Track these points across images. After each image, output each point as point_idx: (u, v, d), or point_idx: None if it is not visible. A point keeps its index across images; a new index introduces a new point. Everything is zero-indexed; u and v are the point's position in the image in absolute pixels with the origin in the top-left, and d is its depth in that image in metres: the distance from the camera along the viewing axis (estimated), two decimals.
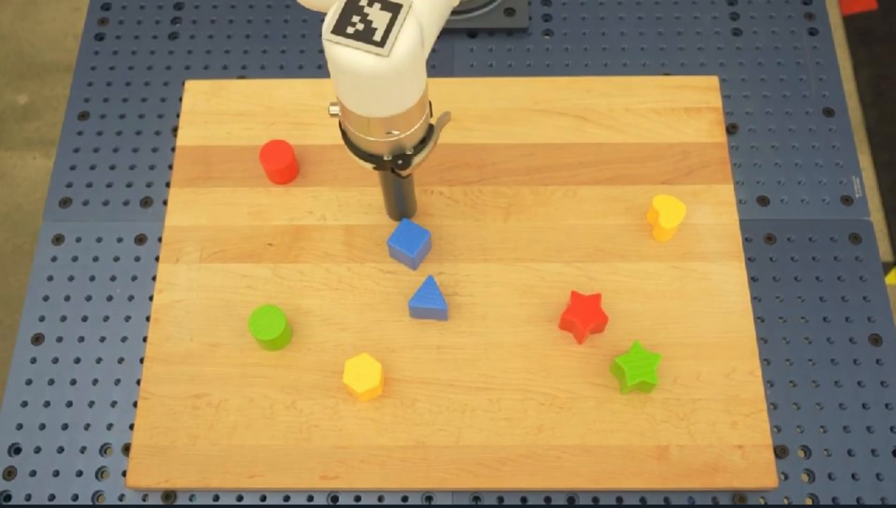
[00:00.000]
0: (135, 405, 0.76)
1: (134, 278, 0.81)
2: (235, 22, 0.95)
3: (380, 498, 0.73)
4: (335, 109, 0.63)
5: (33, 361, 0.78)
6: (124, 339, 0.79)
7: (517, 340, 0.76)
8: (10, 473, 0.74)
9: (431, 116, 0.65)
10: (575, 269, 0.79)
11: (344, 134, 0.65)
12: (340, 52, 0.54)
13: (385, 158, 0.63)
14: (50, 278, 0.81)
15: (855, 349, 0.78)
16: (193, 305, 0.78)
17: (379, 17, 0.54)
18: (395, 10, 0.54)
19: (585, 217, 0.81)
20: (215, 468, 0.72)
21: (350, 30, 0.53)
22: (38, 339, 0.79)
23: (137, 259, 0.82)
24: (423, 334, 0.77)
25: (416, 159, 0.65)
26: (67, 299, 0.80)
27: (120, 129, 0.89)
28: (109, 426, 0.75)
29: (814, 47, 0.92)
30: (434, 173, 0.84)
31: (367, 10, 0.54)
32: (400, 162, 0.63)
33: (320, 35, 0.94)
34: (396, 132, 0.61)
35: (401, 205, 0.77)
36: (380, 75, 0.54)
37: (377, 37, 0.53)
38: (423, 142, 0.65)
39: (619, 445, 0.72)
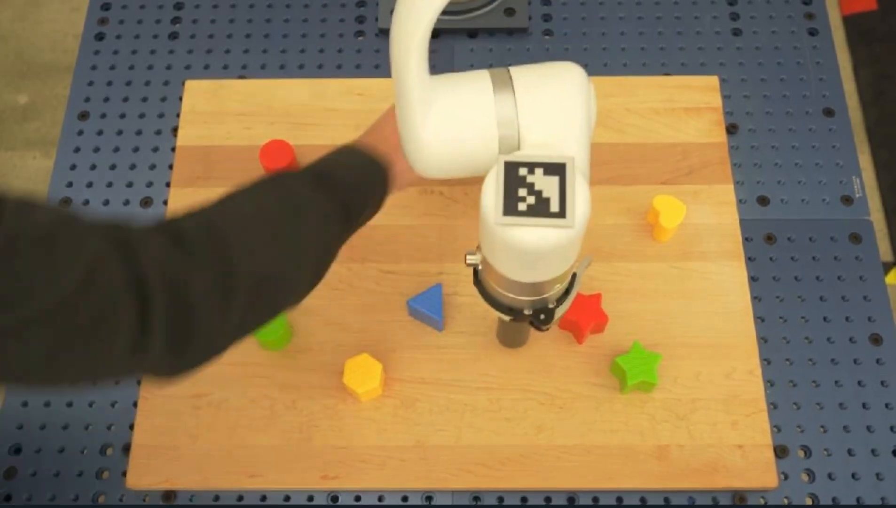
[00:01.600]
0: (135, 405, 0.76)
1: None
2: (235, 22, 0.95)
3: (380, 498, 0.73)
4: (474, 260, 0.57)
5: None
6: None
7: None
8: (10, 473, 0.74)
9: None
10: None
11: (480, 284, 0.60)
12: (519, 234, 0.48)
13: (525, 312, 0.58)
14: None
15: (855, 348, 0.78)
16: None
17: (547, 184, 0.48)
18: (560, 171, 0.48)
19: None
20: (215, 468, 0.72)
21: (522, 207, 0.48)
22: None
23: None
24: (423, 334, 0.77)
25: (559, 312, 0.59)
26: None
27: (120, 128, 0.89)
28: (109, 427, 0.75)
29: (814, 47, 0.92)
30: None
31: (530, 179, 0.48)
32: (542, 317, 0.58)
33: (321, 35, 0.94)
34: (548, 293, 0.56)
35: (520, 337, 0.74)
36: (564, 246, 0.49)
37: (555, 207, 0.48)
38: (567, 293, 0.59)
39: (619, 445, 0.72)
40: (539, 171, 0.49)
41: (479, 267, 0.58)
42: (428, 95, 0.52)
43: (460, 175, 0.55)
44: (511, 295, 0.56)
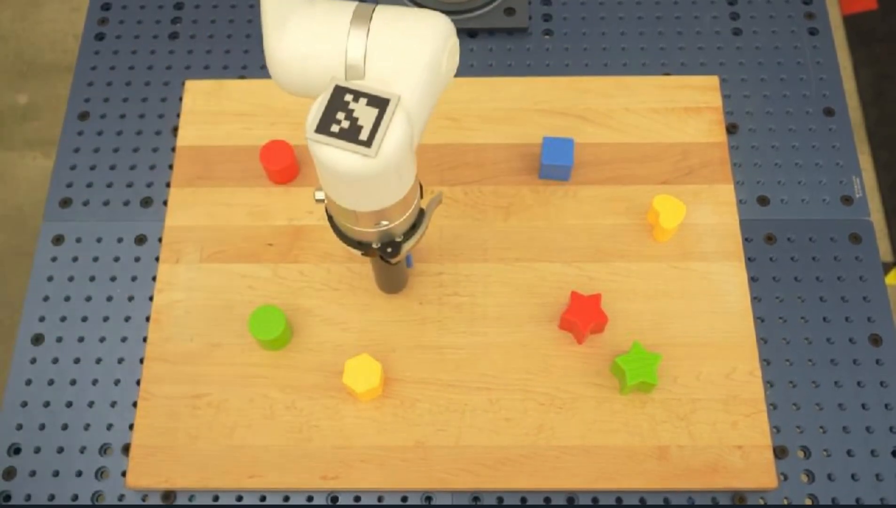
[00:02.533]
0: (135, 405, 0.76)
1: (134, 279, 0.81)
2: (235, 22, 0.95)
3: (380, 498, 0.73)
4: (320, 196, 0.60)
5: (33, 361, 0.78)
6: (124, 339, 0.79)
7: (517, 340, 0.76)
8: (9, 473, 0.74)
9: (422, 196, 0.63)
10: (575, 269, 0.79)
11: (330, 219, 0.62)
12: (324, 152, 0.51)
13: (374, 246, 0.61)
14: (50, 279, 0.81)
15: (855, 349, 0.78)
16: (193, 305, 0.78)
17: (365, 114, 0.51)
18: (382, 105, 0.51)
19: (585, 217, 0.81)
20: (215, 468, 0.72)
21: (335, 128, 0.51)
22: (38, 339, 0.79)
23: (137, 259, 0.82)
24: (423, 334, 0.77)
25: (406, 246, 0.62)
26: (67, 299, 0.80)
27: (120, 129, 0.89)
28: (109, 427, 0.75)
29: (814, 47, 0.92)
30: (434, 173, 0.84)
31: (352, 105, 0.51)
32: (389, 250, 0.61)
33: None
34: (385, 223, 0.59)
35: (393, 281, 0.75)
36: (366, 175, 0.52)
37: (363, 136, 0.50)
38: (414, 228, 0.62)
39: (619, 445, 0.72)
40: (363, 101, 0.51)
41: (325, 203, 0.60)
42: (285, 11, 0.54)
43: (309, 94, 0.56)
44: (357, 228, 0.59)
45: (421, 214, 0.63)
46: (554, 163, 0.80)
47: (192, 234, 0.81)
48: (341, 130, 0.51)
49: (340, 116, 0.51)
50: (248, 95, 0.88)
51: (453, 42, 0.56)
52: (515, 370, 0.75)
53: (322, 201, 0.61)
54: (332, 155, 0.51)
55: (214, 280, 0.79)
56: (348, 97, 0.51)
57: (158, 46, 0.93)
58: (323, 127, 0.51)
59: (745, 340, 0.76)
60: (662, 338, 0.76)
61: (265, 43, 0.55)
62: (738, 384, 0.74)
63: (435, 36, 0.54)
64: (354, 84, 0.52)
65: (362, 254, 0.62)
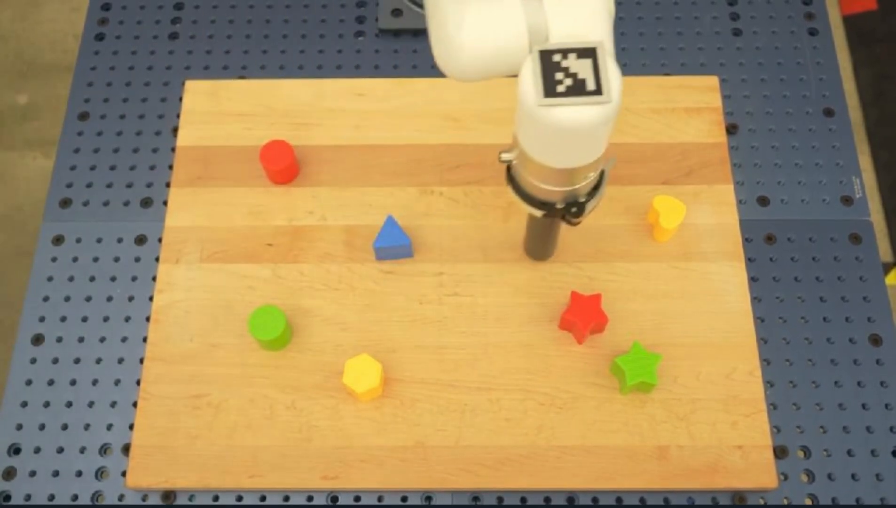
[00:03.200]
0: (135, 405, 0.76)
1: (134, 279, 0.81)
2: (235, 22, 0.95)
3: (380, 498, 0.73)
4: (509, 156, 0.60)
5: (33, 361, 0.78)
6: (124, 339, 0.79)
7: (517, 340, 0.76)
8: (9, 473, 0.74)
9: None
10: (575, 269, 0.79)
11: (513, 181, 0.63)
12: (560, 114, 0.52)
13: (558, 207, 0.62)
14: (50, 279, 0.81)
15: (855, 349, 0.78)
16: (193, 305, 0.78)
17: (581, 67, 0.52)
18: (591, 54, 0.52)
19: (585, 217, 0.81)
20: (215, 468, 0.72)
21: (561, 88, 0.52)
22: (38, 339, 0.79)
23: (137, 260, 0.82)
24: (423, 334, 0.77)
25: (589, 207, 0.63)
26: (67, 299, 0.80)
27: (120, 129, 0.89)
28: (109, 427, 0.75)
29: (814, 47, 0.92)
30: (434, 173, 0.84)
31: (564, 63, 0.52)
32: (574, 210, 0.62)
33: (321, 35, 0.94)
34: (587, 178, 0.59)
35: (547, 246, 0.76)
36: (603, 122, 0.53)
37: (591, 86, 0.52)
38: (596, 188, 0.63)
39: (619, 445, 0.72)
40: (572, 56, 0.52)
41: (514, 162, 0.61)
42: (461, 2, 0.56)
43: (492, 75, 0.58)
44: (546, 187, 0.60)
45: (602, 175, 0.63)
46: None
47: (192, 234, 0.81)
48: (568, 87, 0.52)
49: (559, 76, 0.52)
50: (248, 95, 0.88)
51: None
52: (515, 370, 0.75)
53: (509, 161, 0.61)
54: (568, 113, 0.52)
55: (214, 280, 0.79)
56: (556, 57, 0.53)
57: (158, 46, 0.93)
58: (550, 91, 0.52)
59: (745, 340, 0.76)
60: (662, 338, 0.76)
61: (441, 36, 0.57)
62: (738, 384, 0.74)
63: None
64: (556, 44, 0.53)
65: (544, 216, 0.63)
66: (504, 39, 0.56)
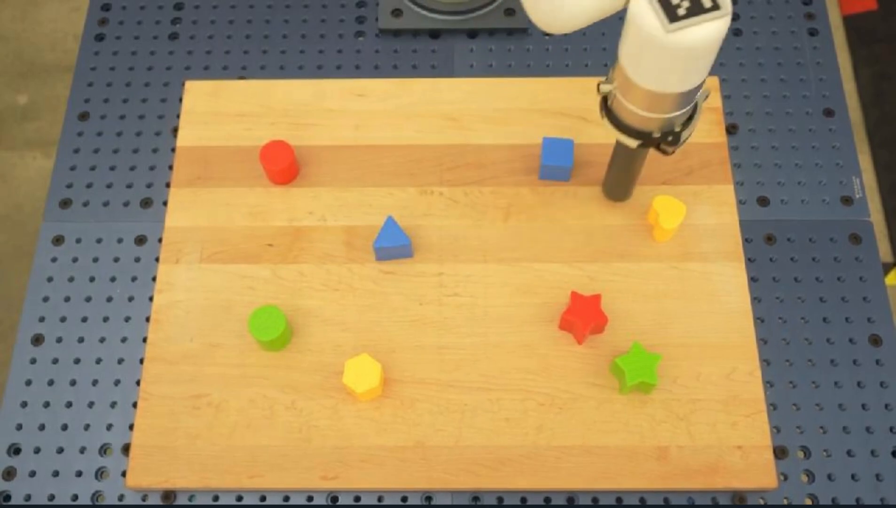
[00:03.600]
0: (134, 405, 0.76)
1: (134, 279, 0.81)
2: (235, 22, 0.95)
3: (379, 498, 0.73)
4: (608, 88, 0.63)
5: (33, 361, 0.78)
6: (124, 340, 0.79)
7: (517, 340, 0.76)
8: (9, 473, 0.74)
9: None
10: (575, 269, 0.79)
11: (609, 112, 0.65)
12: (691, 35, 0.54)
13: (655, 135, 0.64)
14: (50, 279, 0.81)
15: (855, 349, 0.78)
16: (193, 305, 0.78)
17: None
18: None
19: (585, 217, 0.81)
20: (215, 468, 0.72)
21: (682, 11, 0.54)
22: (37, 340, 0.79)
23: (137, 260, 0.82)
24: (423, 334, 0.77)
25: (685, 135, 0.65)
26: (67, 299, 0.81)
27: (120, 129, 0.89)
28: (109, 427, 0.75)
29: (814, 47, 0.92)
30: (434, 173, 0.84)
31: None
32: (670, 138, 0.64)
33: (321, 35, 0.94)
34: (686, 106, 0.62)
35: (628, 184, 0.78)
36: (724, 35, 0.55)
37: (707, 3, 0.54)
38: (690, 118, 0.65)
39: (619, 445, 0.72)
40: None
41: (613, 93, 0.63)
42: None
43: (595, 19, 0.62)
44: (647, 114, 0.62)
45: (695, 106, 0.65)
46: (554, 164, 0.80)
47: (192, 234, 0.81)
48: (688, 9, 0.54)
49: (676, 1, 0.54)
50: (248, 96, 0.88)
51: None
52: (515, 370, 0.75)
53: (607, 92, 0.63)
54: (698, 33, 0.54)
55: (214, 281, 0.79)
56: None
57: (158, 47, 0.93)
58: (673, 16, 0.54)
59: (745, 340, 0.76)
60: (662, 338, 0.76)
61: None
62: (738, 384, 0.74)
63: None
64: None
65: (639, 146, 0.65)
66: None
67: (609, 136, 0.86)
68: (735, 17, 0.94)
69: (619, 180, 0.78)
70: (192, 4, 0.96)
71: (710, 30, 0.54)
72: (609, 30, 0.93)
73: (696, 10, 0.54)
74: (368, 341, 0.76)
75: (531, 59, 0.92)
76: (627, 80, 0.61)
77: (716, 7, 0.54)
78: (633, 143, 0.65)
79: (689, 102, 0.63)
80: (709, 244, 0.80)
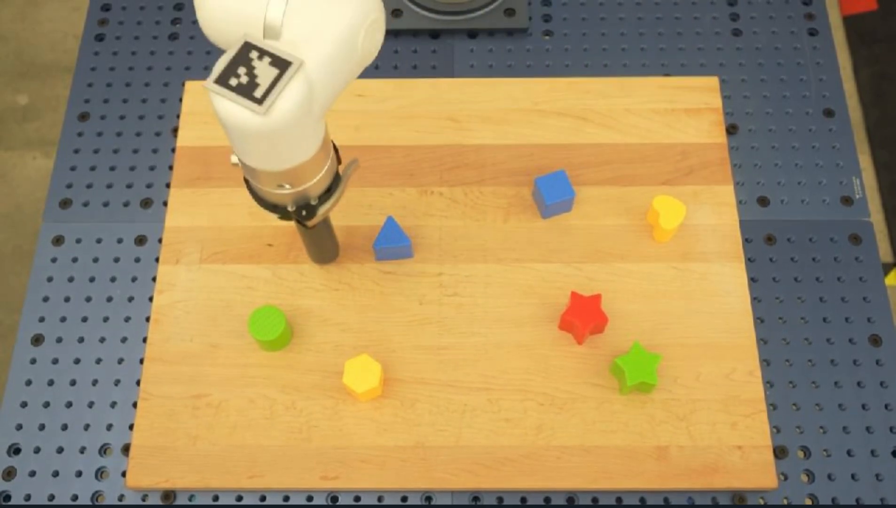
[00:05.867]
0: (134, 405, 0.76)
1: (134, 279, 0.81)
2: None
3: (379, 498, 0.73)
4: (235, 159, 0.61)
5: (33, 362, 0.78)
6: (124, 340, 0.79)
7: (517, 340, 0.76)
8: (9, 473, 0.74)
9: (340, 162, 0.64)
10: (575, 269, 0.79)
11: (247, 183, 0.63)
12: (220, 103, 0.52)
13: (289, 209, 0.62)
14: (50, 279, 0.81)
15: (854, 349, 0.78)
16: (193, 305, 0.78)
17: (265, 73, 0.52)
18: (283, 66, 0.52)
19: (585, 217, 0.81)
20: (215, 468, 0.72)
21: (233, 81, 0.52)
22: (37, 340, 0.79)
23: (137, 260, 0.82)
24: (423, 334, 0.77)
25: (322, 210, 0.63)
26: (67, 299, 0.81)
27: (120, 129, 0.89)
28: (109, 427, 0.75)
29: (814, 47, 0.92)
30: (434, 173, 0.84)
31: (255, 63, 0.52)
32: (304, 213, 0.62)
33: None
34: (288, 186, 0.59)
35: (320, 250, 0.76)
36: (257, 132, 0.52)
37: (258, 93, 0.51)
38: (329, 191, 0.63)
39: (619, 445, 0.72)
40: (267, 60, 0.52)
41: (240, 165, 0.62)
42: None
43: (228, 45, 0.58)
44: (269, 190, 0.60)
45: (337, 178, 0.64)
46: (558, 200, 0.79)
47: (192, 234, 0.81)
48: (238, 84, 0.51)
49: (241, 70, 0.52)
50: None
51: (373, 19, 0.56)
52: (515, 370, 0.75)
53: (237, 164, 0.61)
54: (226, 107, 0.52)
55: (214, 281, 0.79)
56: (254, 54, 0.52)
57: (158, 47, 0.93)
58: (222, 79, 0.52)
59: (744, 340, 0.76)
60: (662, 338, 0.76)
61: None
62: (738, 384, 0.74)
63: (354, 9, 0.55)
64: (263, 43, 0.53)
65: (280, 218, 0.64)
66: (240, 22, 0.55)
67: (610, 136, 0.85)
68: (735, 17, 0.94)
69: (312, 246, 0.75)
70: (192, 4, 0.96)
71: (238, 113, 0.51)
72: (609, 30, 0.93)
73: (242, 91, 0.51)
74: (368, 341, 0.76)
75: (531, 59, 0.92)
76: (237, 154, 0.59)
77: (259, 102, 0.51)
78: (272, 214, 0.63)
79: (311, 179, 0.60)
80: (709, 244, 0.80)
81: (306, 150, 0.57)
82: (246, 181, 0.63)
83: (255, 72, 0.52)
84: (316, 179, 0.61)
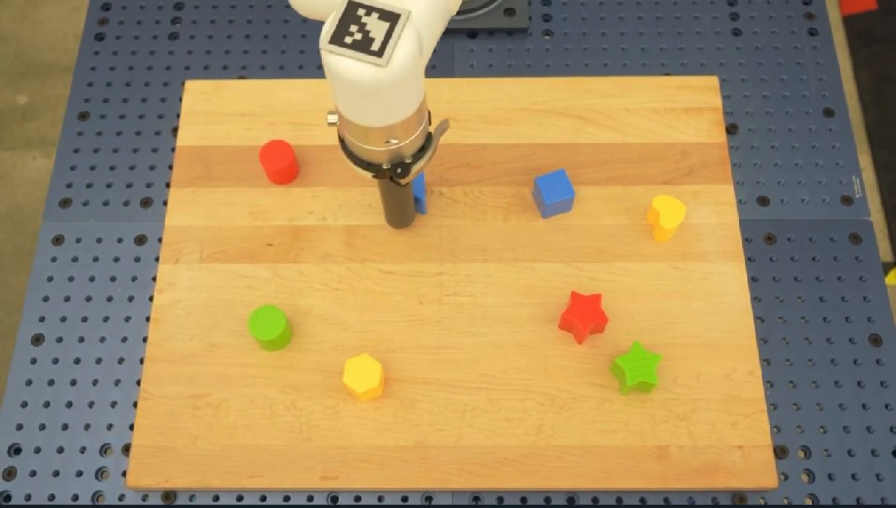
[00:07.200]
0: (135, 405, 0.76)
1: (134, 279, 0.81)
2: (235, 22, 0.95)
3: (380, 498, 0.73)
4: (333, 119, 0.62)
5: (33, 361, 0.78)
6: (124, 339, 0.79)
7: (517, 340, 0.76)
8: (10, 473, 0.74)
9: (430, 123, 0.65)
10: (575, 269, 0.79)
11: (342, 142, 0.64)
12: (338, 62, 0.53)
13: (384, 167, 0.63)
14: (50, 279, 0.81)
15: (855, 349, 0.78)
16: (193, 305, 0.78)
17: (377, 27, 0.53)
18: (393, 19, 0.53)
19: (585, 217, 0.81)
20: (215, 468, 0.72)
21: (348, 39, 0.53)
22: (38, 339, 0.79)
23: (137, 260, 0.82)
24: (423, 334, 0.77)
25: (416, 168, 0.64)
26: (67, 299, 0.81)
27: (120, 129, 0.89)
28: (109, 427, 0.75)
29: (814, 47, 0.92)
30: (434, 173, 0.84)
31: (364, 19, 0.54)
32: (399, 170, 0.63)
33: (320, 36, 0.94)
34: (395, 141, 0.61)
35: (401, 213, 0.76)
36: (379, 85, 0.54)
37: (375, 46, 0.53)
38: (423, 150, 0.64)
39: (619, 445, 0.72)
40: (375, 15, 0.54)
41: (338, 124, 0.63)
42: None
43: (321, 16, 0.59)
44: (368, 147, 0.61)
45: (429, 137, 0.65)
46: (558, 200, 0.79)
47: (192, 234, 0.81)
48: (354, 41, 0.53)
49: (353, 28, 0.53)
50: (248, 96, 0.88)
51: None
52: (515, 370, 0.75)
53: (334, 123, 0.62)
54: (345, 65, 0.53)
55: (214, 280, 0.79)
56: (361, 11, 0.54)
57: (158, 46, 0.93)
58: (336, 38, 0.53)
59: (745, 340, 0.76)
60: (662, 338, 0.76)
61: None
62: (738, 384, 0.74)
63: None
64: (368, 0, 0.54)
65: (373, 176, 0.64)
66: None
67: (610, 136, 0.86)
68: (735, 17, 0.94)
69: (393, 209, 0.76)
70: (192, 4, 0.96)
71: (360, 69, 0.53)
72: (609, 30, 0.93)
73: (359, 46, 0.53)
74: (368, 341, 0.76)
75: (531, 59, 0.92)
76: (340, 112, 0.60)
77: (378, 54, 0.52)
78: (366, 174, 0.64)
79: (410, 135, 0.61)
80: (709, 244, 0.80)
81: (413, 101, 0.58)
82: (341, 141, 0.64)
83: (367, 28, 0.53)
84: (413, 137, 0.62)
